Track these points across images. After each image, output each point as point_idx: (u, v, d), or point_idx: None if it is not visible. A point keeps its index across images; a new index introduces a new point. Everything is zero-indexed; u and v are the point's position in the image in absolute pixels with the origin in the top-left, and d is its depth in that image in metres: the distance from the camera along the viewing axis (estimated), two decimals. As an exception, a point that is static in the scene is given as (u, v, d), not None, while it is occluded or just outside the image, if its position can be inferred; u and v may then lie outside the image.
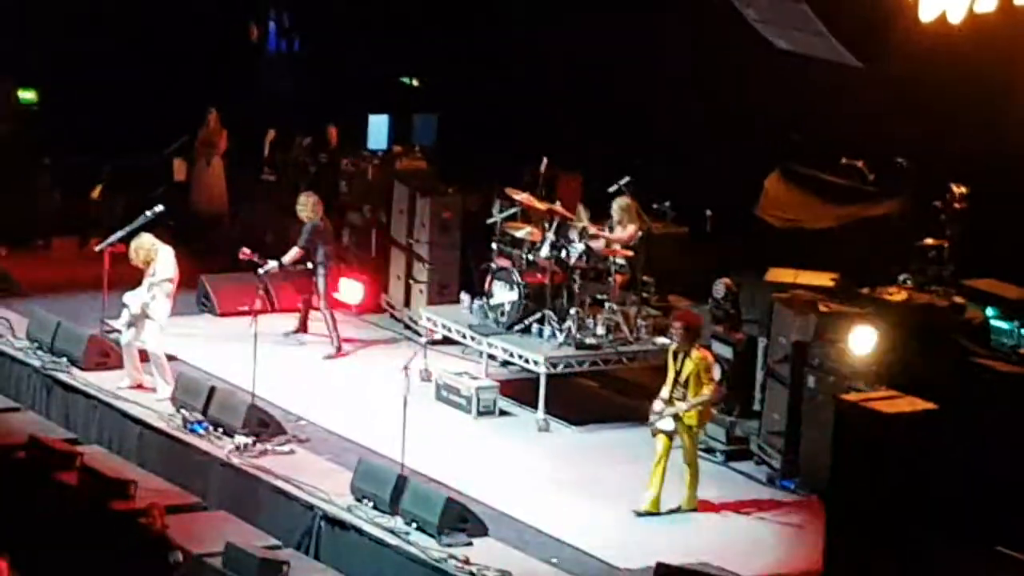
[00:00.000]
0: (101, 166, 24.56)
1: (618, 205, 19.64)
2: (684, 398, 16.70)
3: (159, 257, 18.93)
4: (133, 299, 18.98)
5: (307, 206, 20.77)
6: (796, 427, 17.50)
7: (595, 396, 19.79)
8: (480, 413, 18.96)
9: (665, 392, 16.79)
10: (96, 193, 24.42)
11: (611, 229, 19.60)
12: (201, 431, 18.15)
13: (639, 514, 16.72)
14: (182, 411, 18.44)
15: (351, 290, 21.78)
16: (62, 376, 19.53)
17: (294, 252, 20.56)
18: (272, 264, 20.56)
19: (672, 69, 23.36)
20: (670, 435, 16.74)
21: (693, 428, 16.85)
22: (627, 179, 19.94)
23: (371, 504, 16.53)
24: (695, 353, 16.78)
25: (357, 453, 17.59)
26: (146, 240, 19.05)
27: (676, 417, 16.70)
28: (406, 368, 17.28)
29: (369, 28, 26.64)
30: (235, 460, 17.61)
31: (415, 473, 16.86)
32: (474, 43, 25.61)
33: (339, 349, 20.63)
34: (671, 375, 16.79)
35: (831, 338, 17.17)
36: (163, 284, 18.93)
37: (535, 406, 18.86)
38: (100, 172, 24.54)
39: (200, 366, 19.82)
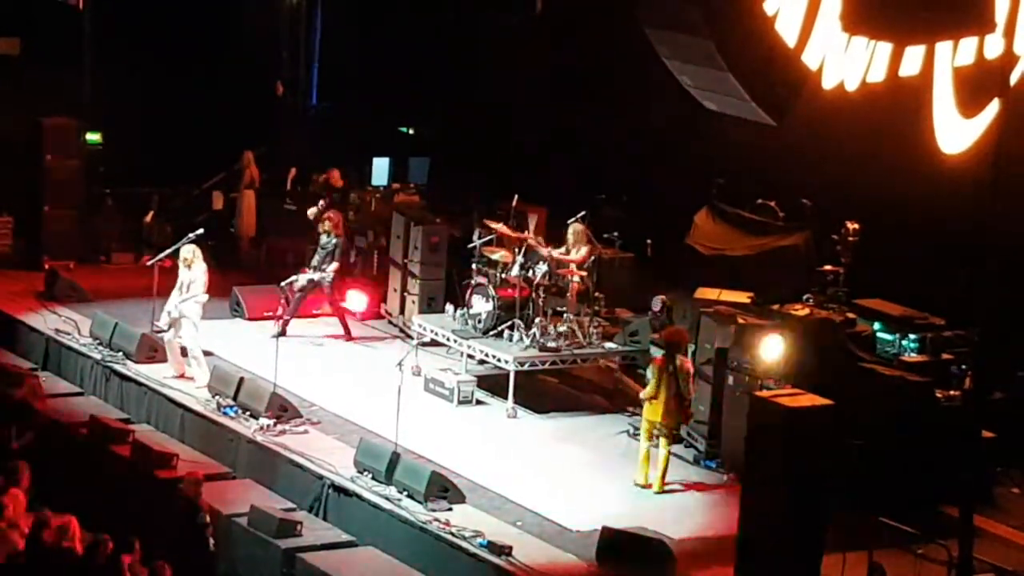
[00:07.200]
0: (152, 196, 24.50)
1: (572, 230, 19.66)
2: None
3: (195, 266, 18.94)
4: (171, 304, 19.00)
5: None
6: (718, 417, 17.49)
7: (554, 389, 19.76)
8: (460, 402, 18.92)
9: None
10: (148, 218, 24.34)
11: (567, 250, 19.64)
12: (232, 414, 18.11)
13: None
14: (216, 397, 18.41)
15: (357, 300, 21.76)
16: (118, 367, 19.45)
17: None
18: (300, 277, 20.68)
19: (624, 127, 23.39)
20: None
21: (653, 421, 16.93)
22: (583, 212, 19.97)
23: (370, 476, 16.53)
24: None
25: (359, 434, 17.55)
26: (190, 249, 19.05)
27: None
28: (400, 365, 17.33)
29: (374, 88, 26.62)
30: (259, 438, 17.58)
31: (406, 450, 16.86)
32: (458, 101, 25.62)
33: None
34: None
35: (747, 345, 17.17)
36: (195, 291, 18.93)
37: (505, 397, 18.83)
38: (151, 201, 24.47)
39: (232, 360, 19.75)
